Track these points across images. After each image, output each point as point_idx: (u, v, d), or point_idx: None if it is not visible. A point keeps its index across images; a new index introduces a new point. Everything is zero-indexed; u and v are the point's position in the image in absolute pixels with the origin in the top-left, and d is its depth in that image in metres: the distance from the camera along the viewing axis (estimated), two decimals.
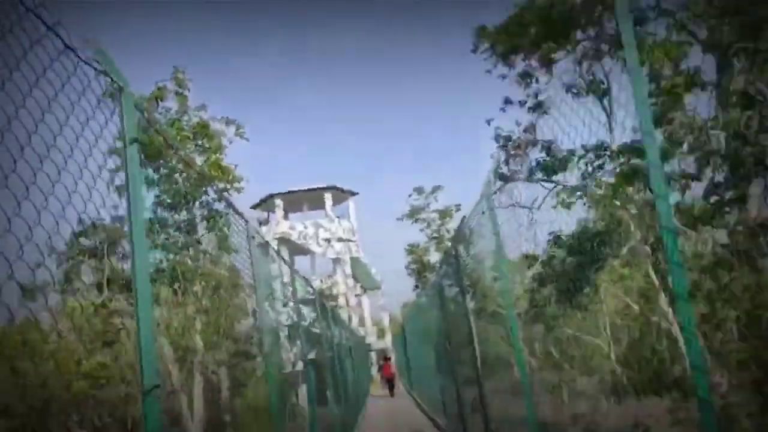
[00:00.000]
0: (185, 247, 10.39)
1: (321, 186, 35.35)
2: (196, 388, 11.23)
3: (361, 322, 38.25)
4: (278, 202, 34.56)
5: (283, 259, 9.13)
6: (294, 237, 34.10)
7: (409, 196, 35.00)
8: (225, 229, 10.18)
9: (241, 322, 13.57)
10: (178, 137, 9.88)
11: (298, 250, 35.94)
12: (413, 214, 34.72)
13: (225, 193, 10.24)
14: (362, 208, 36.82)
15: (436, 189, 34.81)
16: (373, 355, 38.86)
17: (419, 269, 32.50)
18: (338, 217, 36.35)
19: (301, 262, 39.70)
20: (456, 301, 9.67)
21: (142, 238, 2.40)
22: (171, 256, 10.17)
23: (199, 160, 10.26)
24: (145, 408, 2.13)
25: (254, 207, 35.39)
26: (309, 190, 35.04)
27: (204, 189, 10.01)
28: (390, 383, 35.59)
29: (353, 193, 37.51)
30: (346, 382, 24.87)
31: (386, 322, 40.89)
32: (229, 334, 12.61)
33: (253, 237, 5.04)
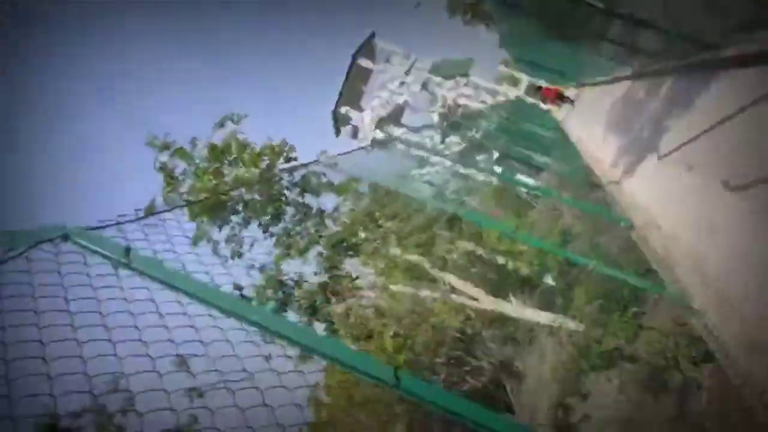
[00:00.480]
0: (320, 224, 10.66)
1: (347, 69, 34.06)
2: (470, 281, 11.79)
3: (494, 94, 37.26)
4: (343, 109, 34.19)
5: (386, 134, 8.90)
6: (382, 112, 33.64)
7: None
8: (323, 178, 10.20)
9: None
10: (213, 178, 9.95)
11: (396, 115, 35.57)
12: None
13: (289, 162, 10.21)
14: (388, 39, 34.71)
15: None
16: (528, 98, 37.91)
17: (473, 11, 29.93)
18: (386, 62, 34.99)
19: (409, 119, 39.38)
20: None
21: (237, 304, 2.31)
22: (324, 242, 10.47)
23: (243, 172, 10.28)
24: (411, 392, 2.05)
25: (337, 134, 35.51)
26: (347, 79, 33.99)
27: (274, 180, 10.10)
28: (561, 97, 35.07)
29: (372, 37, 35.67)
30: (530, 131, 24.54)
31: (505, 69, 39.36)
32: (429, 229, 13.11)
33: (335, 164, 4.95)
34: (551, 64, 28.50)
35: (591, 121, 20.32)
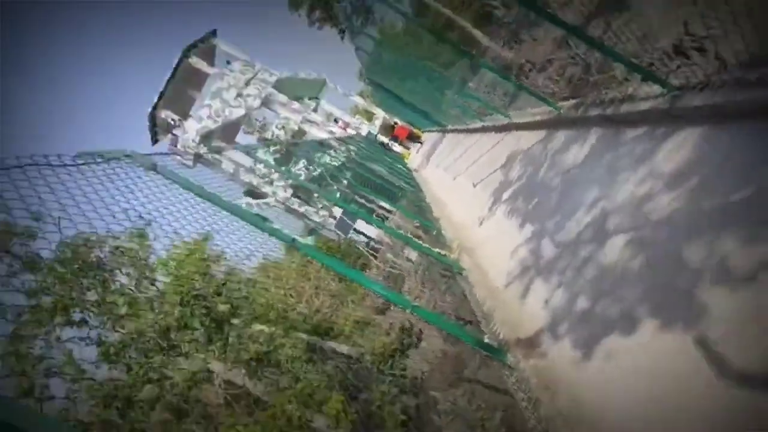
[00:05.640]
0: None
1: (174, 66, 28.10)
2: None
3: (345, 126, 33.30)
4: (163, 113, 28.19)
5: None
6: (211, 125, 27.98)
7: None
8: None
9: None
10: None
11: (228, 132, 30.16)
12: None
13: None
14: (232, 39, 29.30)
15: None
16: (383, 137, 34.72)
17: (333, 22, 25.34)
18: (225, 67, 29.44)
19: (242, 139, 34.38)
20: None
21: None
22: None
23: None
24: None
25: (153, 141, 29.31)
26: (172, 78, 27.97)
27: None
28: (412, 138, 33.29)
29: (212, 35, 30.13)
30: (379, 174, 20.94)
31: (361, 102, 35.81)
32: None
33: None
34: (414, 102, 25.25)
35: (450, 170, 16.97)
